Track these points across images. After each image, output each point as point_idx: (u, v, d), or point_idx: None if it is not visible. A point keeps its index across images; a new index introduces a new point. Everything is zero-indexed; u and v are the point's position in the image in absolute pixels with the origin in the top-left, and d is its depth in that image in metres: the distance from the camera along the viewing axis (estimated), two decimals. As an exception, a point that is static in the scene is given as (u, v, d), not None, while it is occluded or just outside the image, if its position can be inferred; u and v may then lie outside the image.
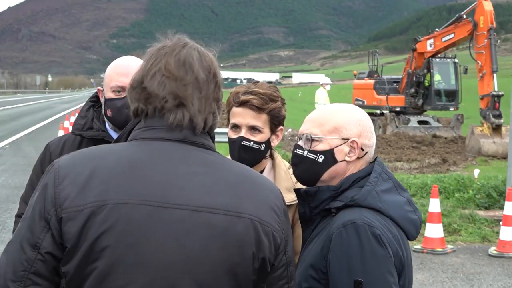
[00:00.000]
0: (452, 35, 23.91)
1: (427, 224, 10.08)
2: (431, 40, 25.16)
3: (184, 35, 2.07)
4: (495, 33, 21.75)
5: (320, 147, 2.48)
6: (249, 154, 3.01)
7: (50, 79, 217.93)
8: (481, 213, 12.01)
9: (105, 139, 3.20)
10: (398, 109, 26.73)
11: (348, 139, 2.46)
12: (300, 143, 2.54)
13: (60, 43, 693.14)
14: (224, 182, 1.92)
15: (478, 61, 21.63)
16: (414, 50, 26.25)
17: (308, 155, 2.49)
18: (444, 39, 24.43)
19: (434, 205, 10.11)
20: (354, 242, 2.24)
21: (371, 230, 2.25)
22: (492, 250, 9.86)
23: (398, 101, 26.88)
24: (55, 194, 1.83)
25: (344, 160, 2.46)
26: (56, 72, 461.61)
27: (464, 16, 23.42)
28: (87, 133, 3.26)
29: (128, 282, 1.79)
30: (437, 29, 25.62)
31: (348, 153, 2.46)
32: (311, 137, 2.50)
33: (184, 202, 1.85)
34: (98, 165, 1.86)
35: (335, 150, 2.46)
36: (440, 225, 10.07)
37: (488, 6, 21.93)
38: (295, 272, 2.06)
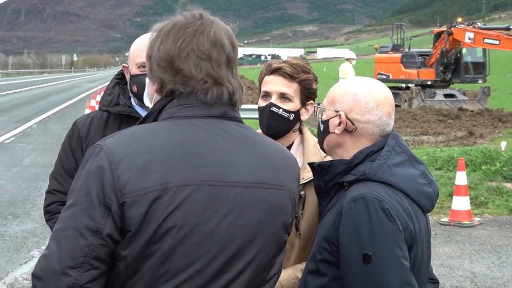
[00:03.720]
0: (497, 42, 23.59)
1: (454, 197, 10.05)
2: (471, 34, 24.66)
3: (200, 9, 2.08)
4: None
5: (324, 116, 2.56)
6: (278, 122, 3.00)
7: (75, 58, 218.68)
8: (509, 185, 11.94)
9: (131, 115, 3.25)
10: (429, 82, 26.46)
11: (338, 112, 2.50)
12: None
13: (85, 22, 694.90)
14: (265, 157, 2.03)
15: None
16: (450, 34, 25.82)
17: (318, 123, 2.61)
18: (486, 41, 24.05)
19: (461, 178, 10.07)
20: (363, 216, 2.26)
21: (380, 204, 2.27)
22: (520, 222, 9.82)
23: (428, 74, 26.57)
24: (113, 179, 1.84)
25: (334, 132, 2.51)
26: (81, 51, 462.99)
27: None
28: (114, 109, 3.30)
29: (192, 260, 1.86)
30: (479, 23, 25.20)
31: (338, 126, 2.50)
32: (316, 107, 2.64)
33: (239, 180, 1.94)
34: (150, 147, 1.88)
35: (329, 121, 2.52)
36: (467, 198, 10.03)
37: None
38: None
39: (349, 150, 2.49)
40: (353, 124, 2.47)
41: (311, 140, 3.14)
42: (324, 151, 2.65)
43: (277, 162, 2.04)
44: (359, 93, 2.49)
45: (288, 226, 2.06)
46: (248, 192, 1.94)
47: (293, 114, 3.02)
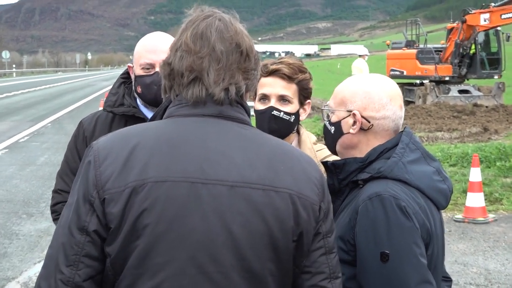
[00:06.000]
0: None
1: (468, 194, 10.01)
2: (487, 15, 24.47)
3: (214, 6, 2.06)
4: None
5: (334, 118, 2.53)
6: (280, 125, 2.97)
7: (89, 57, 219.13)
8: (523, 181, 11.89)
9: (136, 115, 3.23)
10: (447, 78, 26.32)
11: (351, 111, 2.47)
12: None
13: (99, 21, 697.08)
14: (261, 156, 1.93)
15: None
16: (464, 22, 25.67)
17: (327, 126, 2.57)
18: (504, 16, 23.77)
19: (475, 174, 10.02)
20: (379, 214, 2.25)
21: (397, 202, 2.25)
22: (535, 218, 9.77)
23: (446, 70, 26.42)
24: (96, 176, 1.85)
25: (349, 133, 2.48)
26: (95, 50, 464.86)
27: None
28: (118, 110, 3.28)
29: (170, 258, 1.81)
30: (493, 4, 24.95)
31: (352, 125, 2.47)
32: (324, 109, 2.57)
33: (223, 178, 1.86)
34: (136, 144, 1.87)
35: (342, 122, 2.49)
36: (481, 194, 9.99)
37: None
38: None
39: (364, 148, 2.47)
40: (369, 122, 2.46)
41: (308, 142, 3.12)
42: (335, 154, 2.60)
43: (279, 163, 1.93)
44: (371, 90, 2.48)
45: (291, 230, 1.89)
46: (233, 191, 1.85)
47: (293, 116, 3.01)
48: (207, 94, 1.95)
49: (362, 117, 2.46)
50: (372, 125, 2.46)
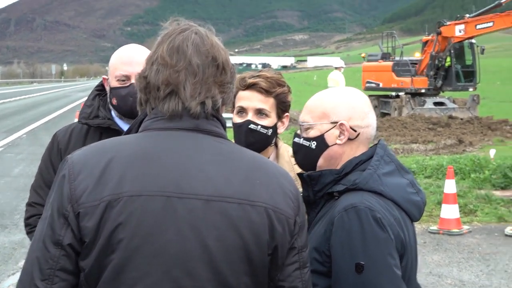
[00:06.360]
0: (491, 24, 23.34)
1: (443, 205, 10.09)
2: (462, 26, 24.63)
3: (192, 21, 2.06)
4: None
5: (313, 133, 2.51)
6: (256, 139, 2.98)
7: (65, 68, 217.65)
8: (497, 193, 11.98)
9: (111, 127, 3.22)
10: (423, 90, 26.51)
11: (337, 122, 2.48)
12: (298, 131, 2.59)
13: (75, 31, 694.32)
14: (237, 170, 1.92)
15: None
16: (439, 33, 25.86)
17: (303, 143, 2.54)
18: (479, 26, 23.93)
19: (450, 186, 10.10)
20: (355, 225, 2.26)
21: (372, 213, 2.27)
22: (509, 230, 9.84)
23: (422, 82, 26.61)
24: (70, 190, 1.83)
25: (336, 144, 2.49)
26: (71, 60, 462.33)
27: (503, 4, 22.78)
28: (93, 122, 3.26)
29: (145, 273, 1.80)
30: (467, 15, 25.14)
31: (339, 136, 2.48)
32: (302, 125, 2.55)
33: (198, 192, 1.85)
34: (112, 157, 1.86)
35: (325, 135, 2.49)
36: (456, 206, 10.06)
37: None
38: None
39: (346, 159, 2.49)
40: (355, 131, 2.48)
41: (286, 155, 3.13)
42: (312, 169, 2.56)
43: (254, 177, 1.93)
44: (353, 100, 2.51)
45: (266, 244, 1.89)
46: (208, 206, 1.84)
47: (271, 130, 3.01)
48: (184, 108, 1.95)
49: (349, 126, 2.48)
50: (359, 133, 2.49)
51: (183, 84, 1.95)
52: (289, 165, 3.07)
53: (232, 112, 3.06)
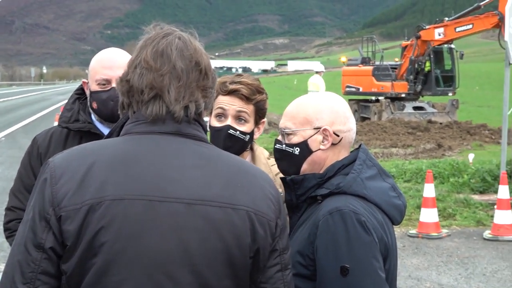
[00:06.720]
0: (470, 26, 23.35)
1: (422, 209, 10.15)
2: (441, 29, 24.66)
3: (174, 25, 2.08)
4: None
5: (295, 139, 2.53)
6: (234, 143, 3.01)
7: (45, 70, 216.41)
8: (476, 197, 12.08)
9: (92, 131, 3.22)
10: (403, 95, 26.60)
11: (320, 128, 2.50)
12: (279, 137, 2.60)
13: (54, 34, 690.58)
14: (219, 174, 1.94)
15: None
16: (418, 37, 25.93)
17: (286, 149, 2.55)
18: (458, 29, 23.94)
19: (429, 190, 10.17)
20: (340, 229, 2.28)
21: (357, 217, 2.29)
22: (487, 233, 9.93)
23: (402, 87, 26.70)
24: (52, 194, 1.84)
25: (320, 149, 2.51)
26: (50, 63, 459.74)
27: (482, 7, 22.78)
28: (74, 125, 3.26)
29: (127, 276, 1.81)
30: (446, 18, 25.22)
31: (322, 142, 2.51)
32: (284, 131, 2.56)
33: (180, 196, 1.86)
34: (93, 161, 1.87)
35: (308, 141, 2.51)
36: (435, 209, 10.13)
37: None
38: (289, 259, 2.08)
39: (329, 163, 2.52)
40: (338, 136, 2.51)
41: (262, 157, 3.18)
42: (296, 174, 2.57)
43: (236, 180, 1.95)
44: (334, 105, 2.54)
45: (248, 247, 1.91)
46: (190, 209, 1.86)
47: (248, 135, 3.05)
48: (168, 112, 1.96)
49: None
50: (342, 138, 2.51)
51: (167, 88, 1.96)
52: (266, 167, 3.12)
53: (210, 115, 3.07)
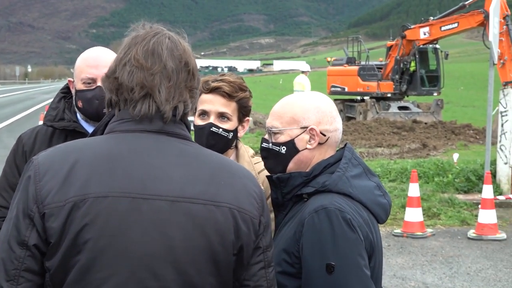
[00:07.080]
0: (455, 25, 23.33)
1: (407, 209, 10.20)
2: (426, 29, 24.66)
3: (161, 24, 2.08)
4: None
5: (282, 138, 2.55)
6: (217, 142, 3.03)
7: (29, 69, 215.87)
8: (460, 197, 12.15)
9: (77, 130, 3.21)
10: (389, 95, 26.65)
11: (307, 127, 2.52)
12: (266, 136, 2.62)
13: (39, 33, 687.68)
14: (202, 172, 1.95)
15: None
16: (403, 37, 25.97)
17: (272, 148, 2.57)
18: (444, 28, 23.94)
19: (414, 190, 10.21)
20: (325, 227, 2.30)
21: (342, 214, 2.31)
22: (471, 233, 9.99)
23: (387, 87, 26.74)
24: (36, 191, 1.85)
25: (306, 148, 2.53)
26: (35, 62, 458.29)
27: (467, 6, 22.80)
28: (59, 124, 3.25)
29: (111, 273, 1.82)
30: (432, 18, 25.24)
31: (309, 141, 2.52)
32: (271, 130, 2.57)
33: (163, 193, 1.88)
34: (77, 159, 1.88)
35: (295, 140, 2.53)
36: (420, 209, 10.18)
37: None
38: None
39: (315, 163, 2.53)
40: (324, 135, 2.52)
41: (246, 156, 3.19)
42: (283, 172, 2.58)
43: (219, 178, 1.96)
44: (321, 105, 2.55)
45: (231, 244, 1.92)
46: (174, 206, 1.87)
47: (232, 133, 3.07)
48: (157, 111, 1.97)
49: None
50: (328, 137, 2.53)
51: (158, 88, 1.97)
52: (249, 165, 3.14)
53: (193, 114, 3.09)
